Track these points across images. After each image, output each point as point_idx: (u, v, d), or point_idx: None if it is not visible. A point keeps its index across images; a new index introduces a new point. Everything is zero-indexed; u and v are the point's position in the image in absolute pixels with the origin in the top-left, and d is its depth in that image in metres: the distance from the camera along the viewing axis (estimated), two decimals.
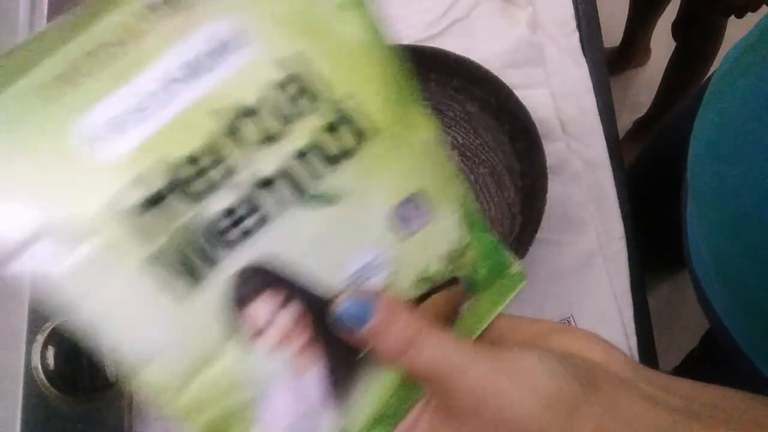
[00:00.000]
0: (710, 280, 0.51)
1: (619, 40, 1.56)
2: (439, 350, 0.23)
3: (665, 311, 1.31)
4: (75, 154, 0.19)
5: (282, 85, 0.21)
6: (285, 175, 0.21)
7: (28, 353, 0.44)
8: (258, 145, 0.21)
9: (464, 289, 0.27)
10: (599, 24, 0.70)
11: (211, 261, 0.20)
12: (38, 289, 0.19)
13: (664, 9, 1.37)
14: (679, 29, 1.23)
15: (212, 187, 0.20)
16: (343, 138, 0.22)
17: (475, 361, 0.23)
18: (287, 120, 0.21)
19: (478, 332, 0.27)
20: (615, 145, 0.66)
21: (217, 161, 0.20)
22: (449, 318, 0.27)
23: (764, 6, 0.91)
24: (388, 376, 0.25)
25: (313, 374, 0.23)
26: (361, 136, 0.22)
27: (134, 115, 0.20)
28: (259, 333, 0.22)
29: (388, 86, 0.23)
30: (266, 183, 0.21)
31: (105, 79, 0.19)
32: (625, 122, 1.52)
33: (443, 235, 0.25)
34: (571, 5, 0.70)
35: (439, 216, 0.25)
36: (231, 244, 0.21)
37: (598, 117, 0.66)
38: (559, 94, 0.67)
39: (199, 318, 0.21)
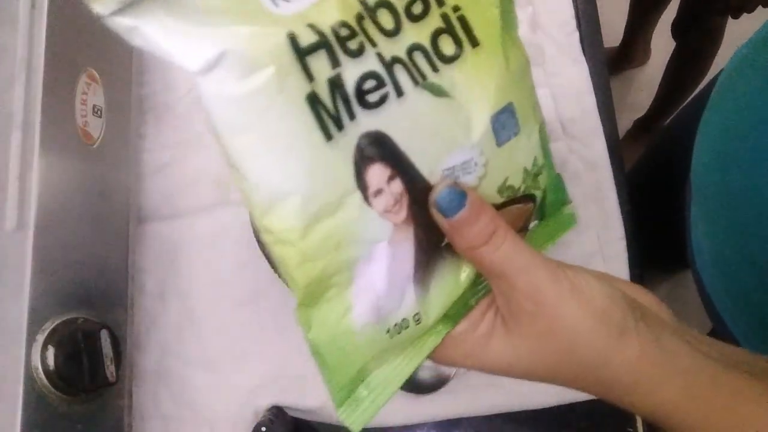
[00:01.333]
0: (713, 284, 0.51)
1: (619, 40, 1.55)
2: (511, 250, 0.25)
3: None
4: (261, 5, 0.22)
5: None
6: (407, 60, 0.24)
7: (28, 353, 0.44)
8: (384, 34, 0.24)
9: (534, 209, 0.29)
10: (599, 24, 0.70)
11: (351, 114, 0.23)
12: (214, 112, 0.22)
13: (665, 9, 1.37)
14: (678, 29, 1.23)
15: (362, 50, 0.23)
16: (448, 45, 0.25)
17: (542, 266, 0.25)
18: (400, 21, 0.24)
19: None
20: (615, 145, 0.66)
21: (364, 33, 0.23)
22: (519, 231, 0.29)
23: (760, 7, 0.91)
24: (458, 277, 0.27)
25: (406, 250, 0.26)
26: (462, 45, 0.25)
27: None
28: (374, 194, 0.24)
29: (494, 8, 0.26)
30: (396, 61, 0.24)
31: None
32: (625, 122, 1.52)
33: (526, 151, 0.28)
34: (571, 5, 0.70)
35: (525, 131, 0.27)
36: (368, 106, 0.23)
37: (598, 117, 0.66)
38: (559, 94, 0.66)
39: (336, 164, 0.23)
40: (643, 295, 0.28)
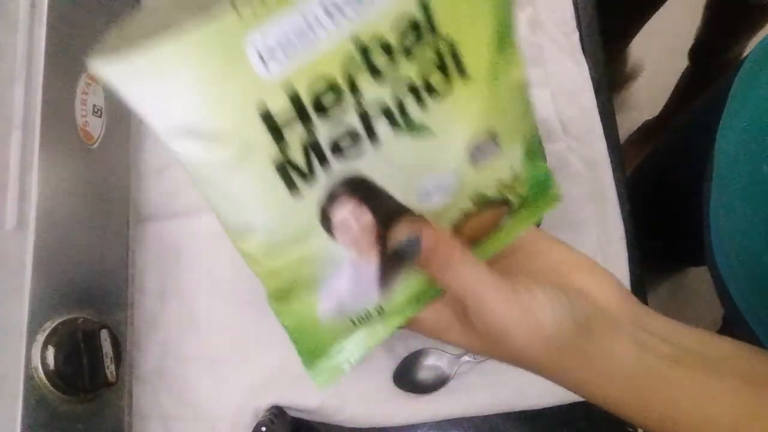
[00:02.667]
0: (735, 277, 0.51)
1: None
2: (465, 278, 0.27)
3: (665, 311, 1.31)
4: (246, 65, 0.21)
5: (399, 25, 0.23)
6: (391, 105, 0.24)
7: (28, 353, 0.44)
8: (374, 76, 0.23)
9: (508, 211, 0.31)
10: (599, 24, 0.70)
11: (327, 166, 0.24)
12: (184, 164, 0.23)
13: (635, 32, 1.32)
14: (697, 56, 1.22)
15: (341, 107, 0.23)
16: (438, 82, 0.24)
17: (493, 288, 0.27)
18: (395, 60, 0.23)
19: (510, 241, 0.31)
20: (615, 145, 0.66)
21: (349, 82, 0.23)
22: (491, 230, 0.31)
23: None
24: (422, 276, 0.30)
25: (371, 266, 0.28)
26: (453, 81, 0.25)
27: (300, 37, 0.22)
28: (341, 230, 0.26)
29: (492, 32, 0.25)
30: (379, 111, 0.24)
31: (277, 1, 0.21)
32: (625, 122, 1.52)
33: (503, 167, 0.29)
34: (571, 5, 0.70)
35: (506, 151, 0.28)
36: (345, 157, 0.24)
37: (598, 117, 0.66)
38: (559, 94, 0.66)
39: (301, 211, 0.25)
40: (609, 288, 0.31)
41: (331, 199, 0.25)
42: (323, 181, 0.24)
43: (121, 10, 0.61)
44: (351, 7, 0.22)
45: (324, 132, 0.23)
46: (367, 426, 0.58)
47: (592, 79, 0.67)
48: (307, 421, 0.58)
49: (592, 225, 0.62)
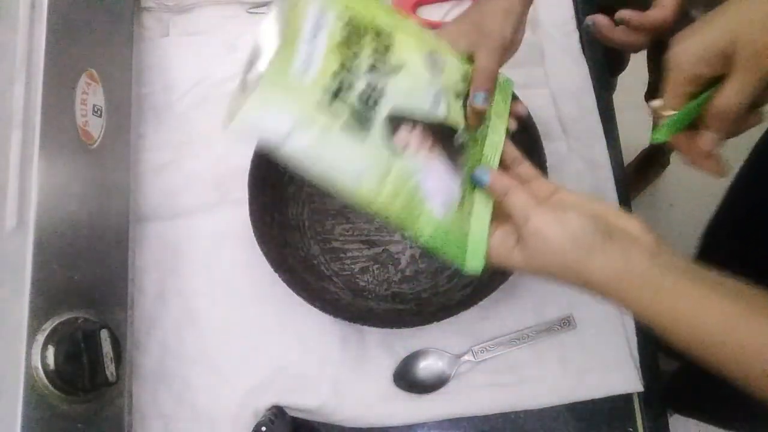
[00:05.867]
0: None
1: None
2: (516, 200, 0.41)
3: None
4: (294, 83, 0.38)
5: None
6: (374, 64, 0.41)
7: (28, 353, 0.44)
8: (357, 59, 0.41)
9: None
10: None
11: (372, 109, 0.40)
12: (296, 163, 0.38)
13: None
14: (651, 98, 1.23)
15: (358, 78, 0.40)
16: (385, 43, 0.42)
17: (535, 208, 0.40)
18: (359, 46, 0.41)
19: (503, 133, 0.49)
20: (615, 145, 0.66)
21: (355, 61, 0.40)
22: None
23: None
24: (476, 149, 0.46)
25: (440, 161, 0.42)
26: (390, 37, 0.43)
27: (309, 47, 0.39)
28: (404, 147, 0.41)
29: (385, 16, 0.43)
30: (370, 68, 0.41)
31: (289, 35, 0.38)
32: (625, 122, 1.51)
33: (455, 69, 0.46)
34: (571, 5, 0.70)
35: (448, 59, 0.45)
36: (376, 101, 0.40)
37: (598, 117, 0.66)
38: (559, 94, 0.67)
39: (375, 148, 0.40)
40: (627, 220, 0.39)
41: (391, 128, 0.40)
42: (377, 120, 0.40)
43: (120, 10, 0.61)
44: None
45: (358, 86, 0.40)
46: (367, 426, 0.58)
47: (592, 78, 0.67)
48: (307, 421, 0.58)
49: None
